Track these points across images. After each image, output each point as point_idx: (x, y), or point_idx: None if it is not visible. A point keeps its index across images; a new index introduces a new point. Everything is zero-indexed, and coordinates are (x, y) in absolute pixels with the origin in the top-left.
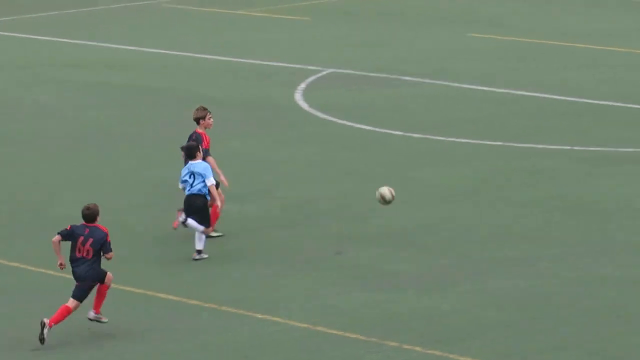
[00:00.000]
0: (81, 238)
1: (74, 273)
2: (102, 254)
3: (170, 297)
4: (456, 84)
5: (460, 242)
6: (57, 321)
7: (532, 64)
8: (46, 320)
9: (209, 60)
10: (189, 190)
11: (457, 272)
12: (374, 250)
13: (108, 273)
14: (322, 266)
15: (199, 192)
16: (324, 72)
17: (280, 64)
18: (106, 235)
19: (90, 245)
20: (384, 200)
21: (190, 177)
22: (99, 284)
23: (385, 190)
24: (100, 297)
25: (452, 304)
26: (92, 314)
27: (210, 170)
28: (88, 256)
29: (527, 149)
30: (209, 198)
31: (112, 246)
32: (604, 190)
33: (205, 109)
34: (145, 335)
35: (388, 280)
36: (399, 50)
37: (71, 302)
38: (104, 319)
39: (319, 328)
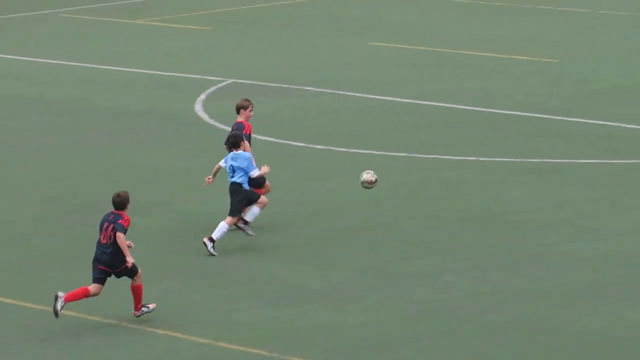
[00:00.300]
0: (105, 224)
1: (94, 256)
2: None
3: (70, 313)
4: (358, 94)
5: (365, 254)
6: (72, 299)
7: (435, 73)
8: (61, 294)
9: (107, 70)
10: (230, 178)
11: (362, 285)
12: (277, 263)
13: (139, 270)
14: (224, 280)
15: (239, 181)
16: (224, 83)
17: (180, 74)
18: (124, 219)
19: (112, 230)
20: (370, 183)
21: (230, 170)
22: (131, 284)
23: (367, 177)
24: (136, 295)
25: (357, 318)
26: (136, 313)
27: (252, 161)
28: (110, 241)
29: (431, 160)
30: (248, 188)
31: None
32: (510, 202)
33: (248, 100)
34: (41, 352)
35: (291, 294)
36: (299, 60)
37: (93, 287)
38: (151, 306)
39: (221, 344)
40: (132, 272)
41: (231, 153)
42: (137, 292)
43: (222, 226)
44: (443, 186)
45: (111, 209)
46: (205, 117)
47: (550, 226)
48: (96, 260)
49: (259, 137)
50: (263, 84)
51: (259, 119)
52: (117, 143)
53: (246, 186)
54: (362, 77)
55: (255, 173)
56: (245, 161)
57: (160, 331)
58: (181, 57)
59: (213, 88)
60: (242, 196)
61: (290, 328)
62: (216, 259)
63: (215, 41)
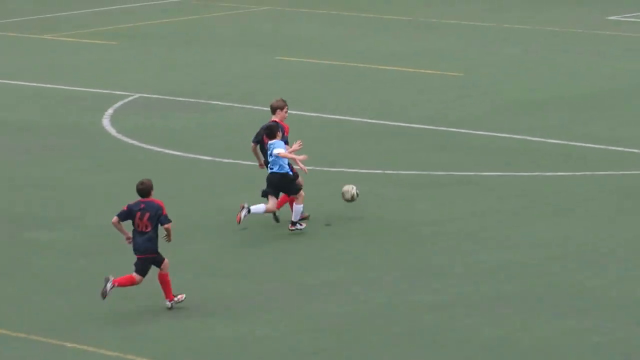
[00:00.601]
0: (138, 214)
1: (133, 245)
2: (159, 225)
3: None
4: (265, 108)
5: (274, 266)
6: (120, 284)
7: (341, 87)
8: (112, 278)
9: (14, 85)
10: (269, 169)
11: (271, 297)
12: (186, 275)
13: (165, 259)
14: (131, 293)
15: (279, 170)
16: (132, 97)
17: (87, 89)
18: (161, 207)
19: (148, 219)
20: (352, 197)
21: (270, 156)
22: (158, 274)
23: (349, 191)
24: (165, 285)
25: (266, 330)
26: (168, 304)
27: (283, 145)
28: (147, 229)
29: (338, 173)
30: (291, 173)
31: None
32: (416, 214)
33: (284, 100)
34: None
35: (200, 306)
36: (207, 74)
37: (136, 276)
38: (180, 297)
39: (130, 356)
40: (159, 263)
41: (267, 144)
42: (165, 281)
43: (298, 209)
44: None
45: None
46: (112, 131)
47: (455, 238)
48: (139, 252)
49: (167, 151)
50: (170, 98)
51: (166, 134)
52: (23, 158)
53: (287, 172)
54: (269, 91)
55: (277, 151)
56: (277, 147)
57: (68, 344)
58: (88, 72)
59: (120, 103)
60: (289, 181)
61: (198, 340)
62: (122, 273)
63: (122, 56)
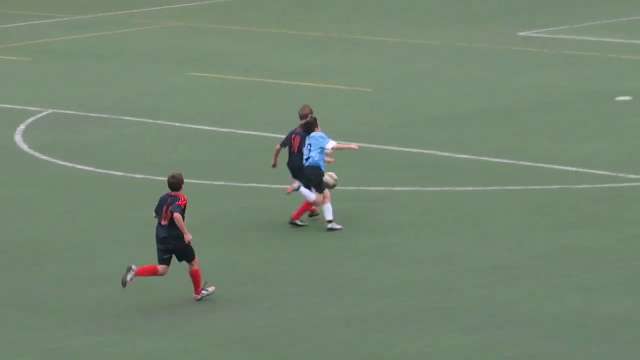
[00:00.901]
0: (165, 207)
1: (157, 237)
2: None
3: None
4: (178, 124)
5: (184, 282)
6: (142, 274)
7: (254, 103)
8: (134, 267)
9: None
10: (305, 163)
11: (181, 312)
12: (96, 291)
13: (196, 257)
14: (45, 309)
15: (315, 165)
16: (44, 113)
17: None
18: (180, 198)
19: (171, 212)
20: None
21: (307, 149)
22: (189, 270)
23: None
24: (195, 280)
25: (177, 345)
26: (196, 297)
27: (325, 137)
28: (169, 222)
29: (250, 189)
30: (324, 169)
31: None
32: (325, 230)
33: (309, 106)
34: None
35: (111, 322)
36: (120, 90)
37: (161, 267)
38: (210, 289)
39: None
40: (189, 257)
41: (309, 137)
42: (195, 277)
43: (327, 208)
44: (263, 214)
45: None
46: (25, 147)
47: (367, 253)
48: (159, 242)
49: (80, 166)
50: (83, 114)
51: (79, 149)
52: None
53: (321, 167)
54: (182, 107)
55: (331, 145)
56: (319, 139)
57: None
58: (0, 88)
59: (33, 118)
60: (320, 176)
61: (110, 356)
62: (33, 288)
63: (34, 72)
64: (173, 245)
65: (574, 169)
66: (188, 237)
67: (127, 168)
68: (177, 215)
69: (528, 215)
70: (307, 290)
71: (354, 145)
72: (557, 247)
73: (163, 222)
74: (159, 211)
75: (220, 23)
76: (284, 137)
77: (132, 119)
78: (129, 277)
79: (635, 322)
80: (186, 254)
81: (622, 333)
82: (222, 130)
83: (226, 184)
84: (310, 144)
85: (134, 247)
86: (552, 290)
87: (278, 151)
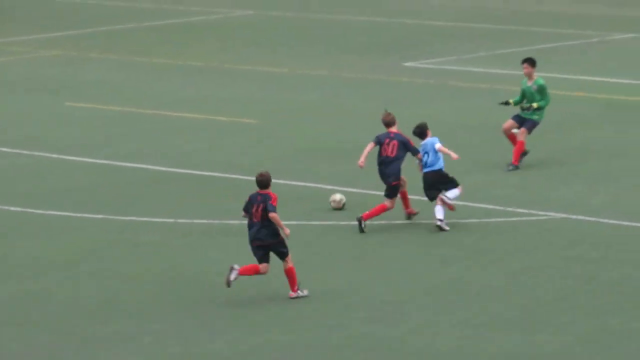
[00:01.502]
0: (255, 206)
1: (250, 236)
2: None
3: None
4: (55, 155)
5: (63, 317)
6: (245, 273)
7: (133, 133)
8: (236, 266)
9: None
10: (426, 168)
11: (62, 348)
12: None
13: (289, 255)
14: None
15: (435, 168)
16: None
17: None
18: (272, 197)
19: (262, 210)
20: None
21: (425, 156)
22: (284, 268)
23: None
24: (290, 278)
25: None
26: (292, 294)
27: (437, 139)
28: (261, 220)
29: (130, 222)
30: (443, 169)
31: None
32: (210, 263)
33: (391, 113)
34: None
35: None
36: None
37: (261, 266)
38: (305, 293)
39: None
40: (283, 254)
41: (421, 144)
42: (290, 275)
43: (454, 193)
44: (142, 248)
45: None
46: None
47: (251, 287)
48: (253, 240)
49: None
50: None
51: None
52: None
53: (441, 168)
54: (58, 138)
55: (439, 146)
56: (431, 143)
57: None
58: None
59: None
60: (445, 177)
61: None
62: None
63: None
64: (266, 242)
65: (461, 203)
66: (287, 230)
67: (2, 200)
68: (273, 215)
69: (414, 249)
70: (189, 325)
71: (454, 154)
72: (444, 282)
73: (255, 220)
74: (248, 209)
75: (98, 52)
76: (164, 169)
77: (7, 150)
78: (232, 276)
79: (525, 358)
80: (279, 251)
81: None
82: (100, 161)
83: (104, 216)
84: (427, 152)
85: (10, 279)
86: (440, 325)
87: (370, 149)
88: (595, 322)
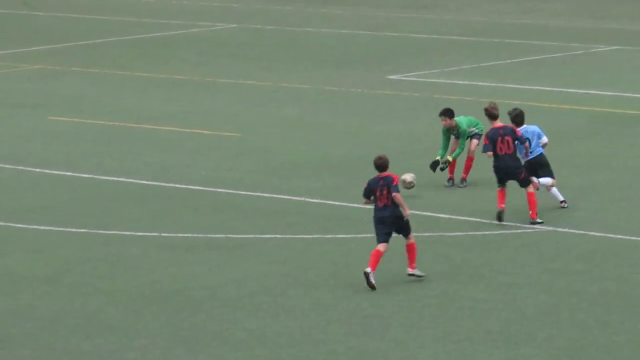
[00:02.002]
0: (377, 190)
1: (379, 219)
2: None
3: None
4: (38, 169)
5: (45, 333)
6: (375, 265)
7: (115, 147)
8: (368, 270)
9: None
10: (529, 156)
11: None
12: None
13: (411, 232)
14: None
15: (538, 154)
16: None
17: None
18: (394, 179)
19: (387, 192)
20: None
21: (529, 143)
22: (406, 244)
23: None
24: (411, 254)
25: None
26: (409, 270)
27: (538, 129)
28: (389, 203)
29: (113, 236)
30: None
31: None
32: (193, 278)
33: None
34: None
35: None
36: None
37: (381, 246)
38: (421, 273)
39: None
40: (408, 230)
41: (522, 130)
42: (412, 250)
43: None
44: (124, 262)
45: None
46: None
47: (234, 302)
48: (379, 223)
49: None
50: None
51: None
52: None
53: (541, 152)
54: (40, 152)
55: (544, 140)
56: (532, 131)
57: None
58: None
59: None
60: (544, 163)
61: None
62: None
63: None
64: (394, 224)
65: (446, 216)
66: (407, 211)
67: None
68: (396, 195)
69: (398, 263)
70: (171, 341)
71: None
72: (427, 296)
73: (380, 204)
74: (372, 194)
75: (80, 66)
76: (146, 182)
77: None
78: (372, 279)
79: None
80: (405, 228)
81: None
82: (82, 175)
83: (87, 230)
84: (528, 139)
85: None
86: (423, 340)
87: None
88: (580, 336)
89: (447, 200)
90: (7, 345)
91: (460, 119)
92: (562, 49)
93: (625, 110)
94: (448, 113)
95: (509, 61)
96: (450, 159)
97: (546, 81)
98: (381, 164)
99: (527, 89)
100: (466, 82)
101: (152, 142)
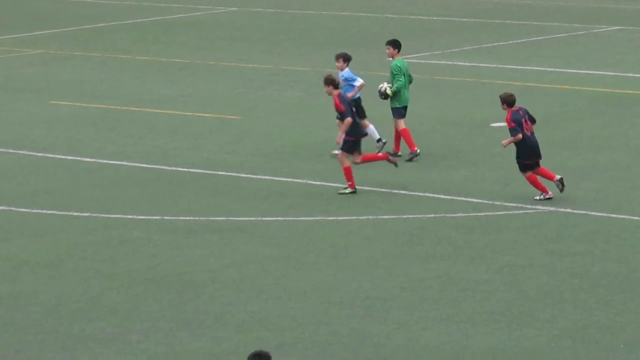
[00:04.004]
0: (522, 121)
1: (531, 149)
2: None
3: None
4: (40, 154)
5: (48, 317)
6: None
7: (116, 131)
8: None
9: None
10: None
11: (46, 348)
12: None
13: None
14: None
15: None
16: None
17: None
18: (526, 109)
19: (530, 121)
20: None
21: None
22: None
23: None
24: (537, 180)
25: None
26: (556, 181)
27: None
28: (532, 130)
29: (115, 220)
30: None
31: None
32: (194, 261)
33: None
34: None
35: None
36: None
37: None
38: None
39: None
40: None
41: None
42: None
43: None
44: (126, 246)
45: None
46: None
47: (236, 285)
48: (535, 152)
49: None
50: None
51: None
52: None
53: None
54: (42, 136)
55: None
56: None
57: None
58: None
59: None
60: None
61: None
62: None
63: None
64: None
65: (447, 197)
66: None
67: None
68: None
69: (400, 245)
70: (173, 324)
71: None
72: (429, 278)
73: (528, 133)
74: (520, 127)
75: (81, 50)
76: (148, 166)
77: None
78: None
79: (511, 355)
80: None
81: None
82: (85, 159)
83: (90, 214)
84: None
85: None
86: (425, 321)
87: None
88: (582, 316)
89: (449, 182)
90: (10, 329)
91: (397, 61)
92: (564, 29)
93: (627, 91)
94: (391, 42)
95: (510, 42)
96: (389, 92)
97: (547, 62)
98: (512, 101)
99: (529, 69)
100: (467, 64)
101: (153, 125)
